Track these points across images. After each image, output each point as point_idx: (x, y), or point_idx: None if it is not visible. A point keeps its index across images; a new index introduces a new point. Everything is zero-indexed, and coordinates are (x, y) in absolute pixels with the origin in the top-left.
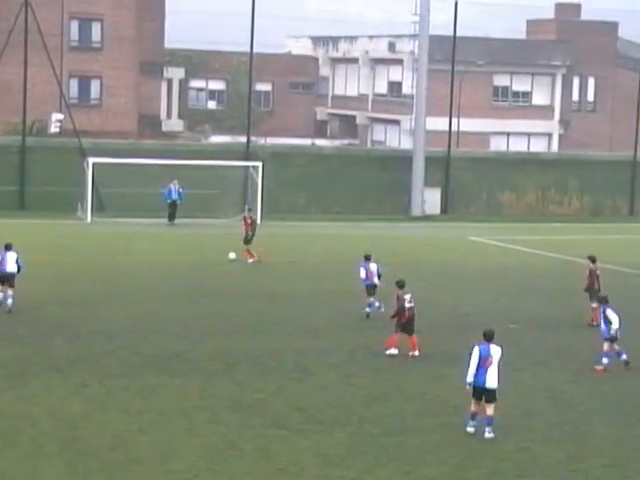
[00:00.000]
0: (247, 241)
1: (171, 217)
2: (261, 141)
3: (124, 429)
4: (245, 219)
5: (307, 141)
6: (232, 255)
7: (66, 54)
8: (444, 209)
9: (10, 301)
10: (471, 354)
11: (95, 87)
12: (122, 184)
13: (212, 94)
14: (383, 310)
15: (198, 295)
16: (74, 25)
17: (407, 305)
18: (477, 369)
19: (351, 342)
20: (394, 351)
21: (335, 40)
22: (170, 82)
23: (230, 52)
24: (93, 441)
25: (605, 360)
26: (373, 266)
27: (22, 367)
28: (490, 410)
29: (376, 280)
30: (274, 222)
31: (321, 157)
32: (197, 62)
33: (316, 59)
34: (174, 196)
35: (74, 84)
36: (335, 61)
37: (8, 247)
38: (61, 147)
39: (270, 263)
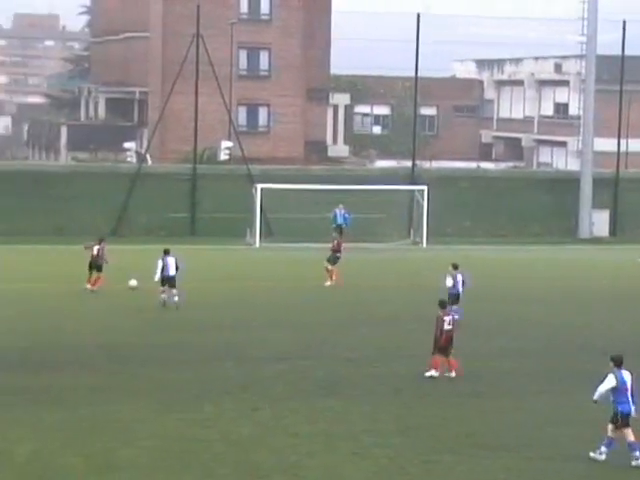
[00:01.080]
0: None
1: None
2: (426, 165)
3: (294, 452)
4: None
5: (472, 164)
6: (133, 282)
7: (235, 83)
8: (612, 231)
9: (176, 299)
10: (604, 378)
11: (263, 114)
12: (290, 209)
13: (377, 119)
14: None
15: (364, 320)
16: (243, 54)
17: (446, 327)
18: (621, 398)
19: (530, 366)
20: (434, 373)
21: (500, 62)
22: (336, 108)
23: (394, 77)
24: (264, 464)
25: None
26: (460, 276)
27: (195, 391)
28: (631, 436)
29: (460, 289)
30: (439, 245)
31: (486, 180)
32: (362, 88)
33: (481, 82)
34: (339, 220)
35: (243, 112)
36: (500, 83)
37: (167, 252)
38: (230, 174)
39: (427, 287)
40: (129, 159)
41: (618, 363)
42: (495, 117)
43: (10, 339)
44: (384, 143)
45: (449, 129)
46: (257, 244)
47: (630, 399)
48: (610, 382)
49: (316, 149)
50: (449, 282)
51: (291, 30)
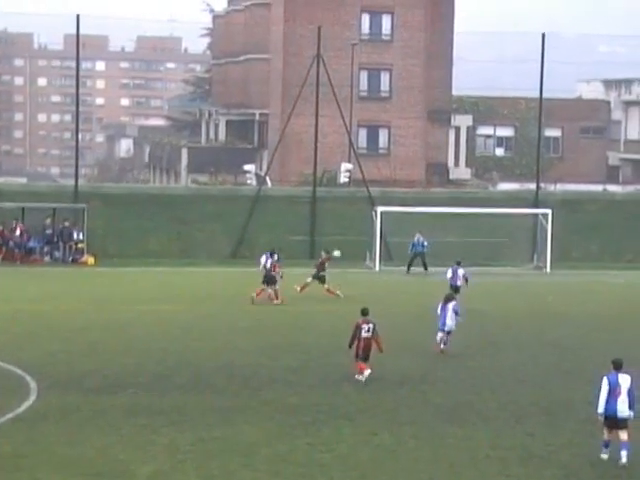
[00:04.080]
0: (319, 279)
1: (423, 267)
2: (550, 187)
3: (415, 478)
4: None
5: (598, 187)
6: (337, 253)
7: (355, 104)
8: None
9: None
10: (600, 385)
11: (383, 136)
12: (410, 233)
13: (500, 141)
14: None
15: (486, 346)
16: (363, 75)
17: (364, 335)
18: (608, 399)
19: None
20: (361, 377)
21: (628, 83)
22: (458, 129)
23: (518, 97)
24: None
25: None
26: (460, 271)
27: (313, 415)
28: (624, 435)
29: (459, 282)
30: (565, 270)
31: (613, 203)
32: (484, 109)
33: (608, 103)
34: (418, 249)
35: (363, 134)
36: (628, 104)
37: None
38: (350, 197)
39: (550, 313)
40: (249, 182)
41: (617, 366)
42: (622, 139)
43: (141, 360)
44: (507, 165)
45: (574, 151)
46: (377, 268)
47: (623, 401)
48: (604, 387)
49: (437, 171)
50: (449, 274)
51: (412, 50)
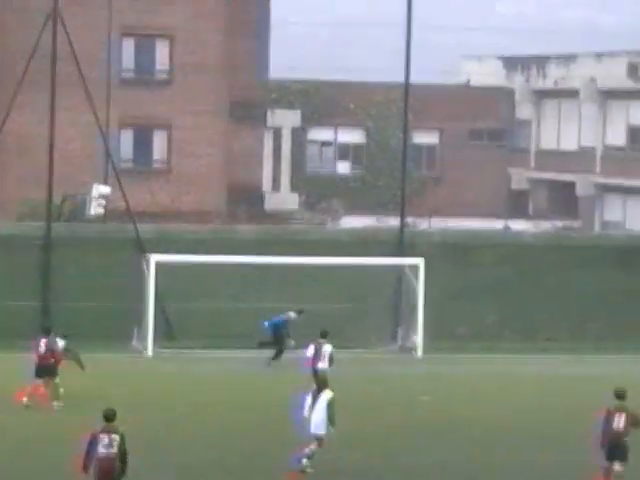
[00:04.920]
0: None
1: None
2: (423, 224)
3: None
4: None
5: (496, 223)
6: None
7: (115, 91)
8: None
9: None
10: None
11: (160, 143)
12: (203, 295)
13: (344, 150)
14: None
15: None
16: (128, 46)
17: (101, 450)
18: None
19: None
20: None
21: (541, 61)
22: (278, 133)
23: (372, 84)
24: None
25: None
26: (327, 347)
27: None
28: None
29: (321, 365)
30: (446, 354)
31: (520, 249)
32: (320, 100)
33: (511, 92)
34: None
35: (127, 138)
36: (541, 95)
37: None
38: (107, 238)
39: (430, 423)
40: None
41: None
42: (533, 149)
43: None
44: (355, 189)
45: (460, 167)
46: (149, 351)
47: None
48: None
49: (246, 198)
50: (309, 352)
51: (206, 9)
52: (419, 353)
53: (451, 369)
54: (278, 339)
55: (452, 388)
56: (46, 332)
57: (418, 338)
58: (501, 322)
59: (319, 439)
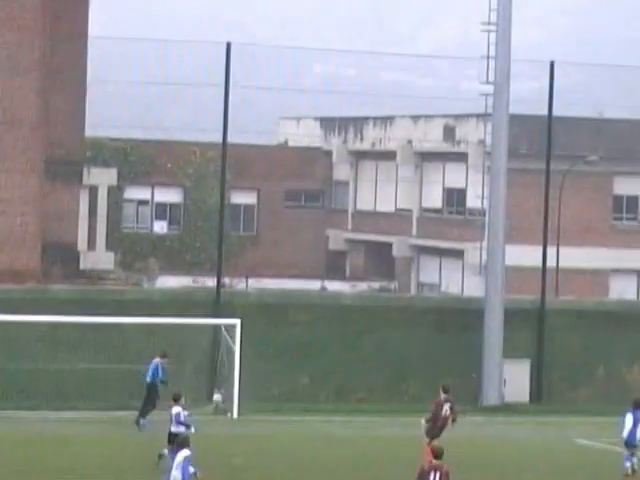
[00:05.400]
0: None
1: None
2: (240, 285)
3: None
4: None
5: (314, 284)
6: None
7: None
8: (536, 395)
9: None
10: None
11: None
12: (16, 355)
13: (161, 210)
14: None
15: None
16: None
17: None
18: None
19: None
20: None
21: (359, 123)
22: (94, 191)
23: (190, 142)
24: None
25: None
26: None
27: None
28: None
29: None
30: (259, 416)
31: (336, 310)
32: (136, 159)
33: (328, 153)
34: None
35: None
36: (359, 156)
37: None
38: None
39: None
40: None
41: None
42: (351, 210)
43: None
44: (172, 249)
45: (277, 227)
46: None
47: None
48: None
49: (61, 257)
50: (175, 410)
51: (22, 62)
52: (235, 414)
53: (266, 430)
54: (151, 392)
55: (266, 449)
56: None
57: (234, 399)
58: (314, 383)
59: None
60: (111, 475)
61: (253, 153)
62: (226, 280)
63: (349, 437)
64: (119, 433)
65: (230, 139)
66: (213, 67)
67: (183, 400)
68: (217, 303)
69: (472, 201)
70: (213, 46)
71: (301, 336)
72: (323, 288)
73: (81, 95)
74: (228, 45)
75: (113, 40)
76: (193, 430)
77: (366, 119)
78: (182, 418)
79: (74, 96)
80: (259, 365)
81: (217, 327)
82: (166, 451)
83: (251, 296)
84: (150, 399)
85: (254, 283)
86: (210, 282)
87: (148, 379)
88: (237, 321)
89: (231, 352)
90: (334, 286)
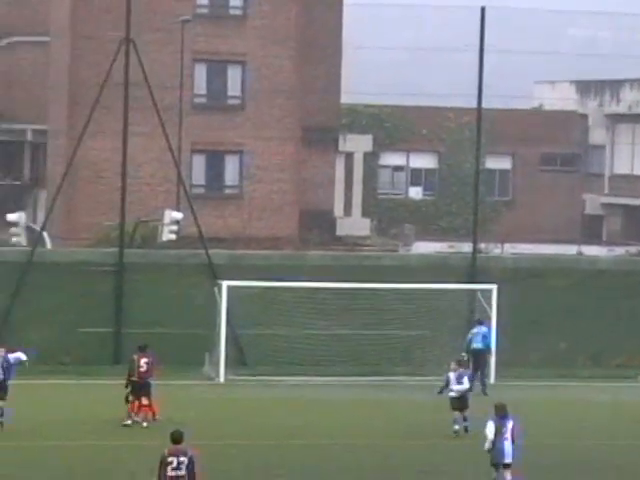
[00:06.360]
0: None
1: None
2: (495, 249)
3: None
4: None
5: (570, 248)
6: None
7: (188, 117)
8: None
9: None
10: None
11: (232, 168)
12: (276, 321)
13: (416, 175)
14: None
15: None
16: (200, 71)
17: (170, 473)
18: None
19: None
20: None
21: (615, 86)
22: (350, 158)
23: (444, 108)
24: None
25: None
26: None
27: None
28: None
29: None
30: (515, 381)
31: (594, 275)
32: (392, 125)
33: (583, 116)
34: (476, 345)
35: (199, 163)
36: (615, 119)
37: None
38: (179, 263)
39: None
40: (14, 240)
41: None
42: (607, 173)
43: None
44: (428, 215)
45: (532, 192)
46: (221, 377)
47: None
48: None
49: (318, 224)
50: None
51: (278, 33)
52: (491, 379)
53: (522, 395)
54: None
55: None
56: (143, 350)
57: (491, 366)
58: (573, 349)
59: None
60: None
61: (508, 117)
62: (481, 245)
63: (606, 403)
64: (385, 398)
65: (485, 104)
66: (467, 32)
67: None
68: (473, 268)
69: None
70: (467, 10)
71: (557, 301)
72: (579, 253)
73: (336, 62)
74: (482, 9)
75: (368, 6)
76: None
77: (622, 82)
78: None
79: (329, 64)
80: (515, 331)
81: (472, 292)
82: None
83: (507, 261)
84: (481, 365)
85: (509, 248)
86: (466, 247)
87: (479, 345)
88: (493, 286)
89: (487, 316)
90: (591, 251)
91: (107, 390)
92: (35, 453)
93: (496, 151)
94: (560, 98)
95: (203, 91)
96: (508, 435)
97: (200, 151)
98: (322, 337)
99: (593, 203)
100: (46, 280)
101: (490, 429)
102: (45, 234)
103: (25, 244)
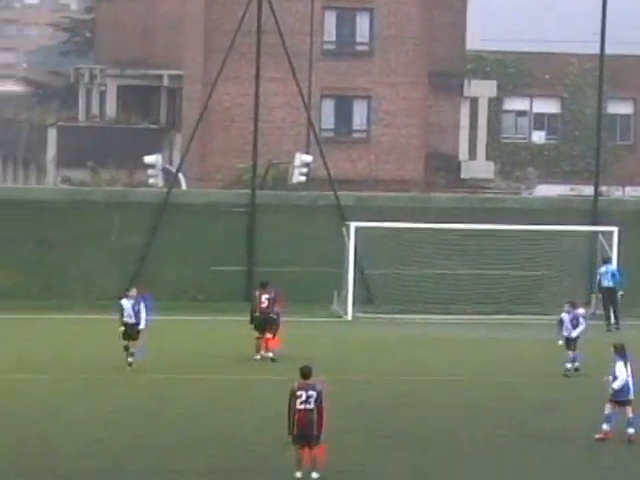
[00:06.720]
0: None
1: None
2: (617, 192)
3: None
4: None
5: None
6: None
7: (318, 63)
8: None
9: None
10: None
11: (360, 112)
12: (402, 261)
13: (539, 120)
14: None
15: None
16: (330, 19)
17: (299, 406)
18: None
19: None
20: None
21: None
22: (474, 103)
23: (567, 54)
24: None
25: None
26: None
27: None
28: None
29: (574, 334)
30: (634, 321)
31: None
32: (515, 71)
33: None
34: (606, 283)
35: (329, 108)
36: None
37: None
38: (309, 205)
39: None
40: (152, 181)
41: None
42: None
43: None
44: (550, 158)
45: None
46: (349, 315)
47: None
48: None
49: (443, 166)
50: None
51: None
52: (612, 319)
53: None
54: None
55: None
56: (264, 286)
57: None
58: None
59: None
60: (488, 375)
61: (630, 63)
62: (603, 188)
63: None
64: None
65: (607, 50)
66: None
67: None
68: (594, 211)
69: None
70: None
71: None
72: None
73: (461, 9)
74: None
75: None
76: None
77: None
78: None
79: (455, 10)
80: (636, 273)
81: (594, 235)
82: None
83: (628, 204)
84: (612, 302)
85: (631, 191)
86: (587, 190)
87: (610, 283)
88: (615, 229)
89: (608, 258)
90: None
91: (238, 326)
92: (167, 386)
93: (618, 96)
94: None
95: (332, 38)
96: (630, 372)
97: (329, 96)
98: (447, 277)
99: None
100: (181, 220)
101: (621, 369)
102: (180, 176)
103: (161, 185)
